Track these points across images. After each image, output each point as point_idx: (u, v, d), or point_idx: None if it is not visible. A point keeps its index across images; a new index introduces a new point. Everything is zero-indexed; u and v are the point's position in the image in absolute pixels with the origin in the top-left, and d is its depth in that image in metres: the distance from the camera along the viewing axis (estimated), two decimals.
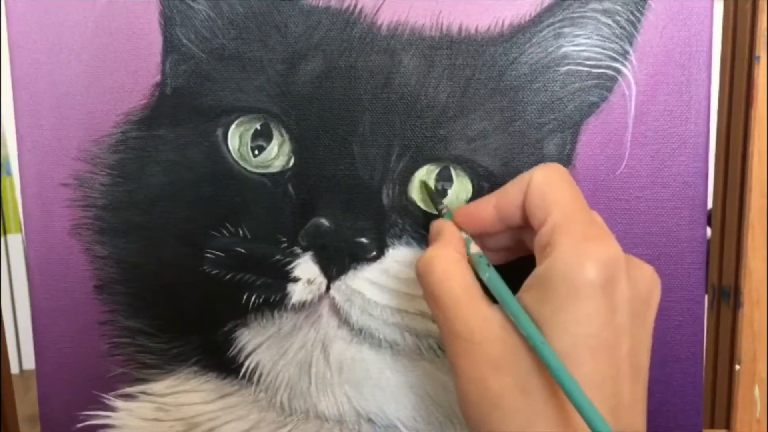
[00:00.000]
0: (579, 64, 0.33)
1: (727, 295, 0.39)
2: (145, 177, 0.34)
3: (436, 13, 0.33)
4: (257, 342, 0.35)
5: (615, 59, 0.33)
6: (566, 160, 0.34)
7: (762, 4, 0.36)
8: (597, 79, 0.33)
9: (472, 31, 0.33)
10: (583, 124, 0.34)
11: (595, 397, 0.25)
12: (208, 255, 0.34)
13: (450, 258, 0.29)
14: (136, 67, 0.34)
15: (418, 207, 0.34)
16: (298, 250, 0.34)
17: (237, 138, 0.34)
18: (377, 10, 0.33)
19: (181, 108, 0.34)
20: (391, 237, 0.34)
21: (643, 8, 0.33)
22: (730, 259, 0.39)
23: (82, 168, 0.35)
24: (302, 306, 0.34)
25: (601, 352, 0.26)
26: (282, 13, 0.33)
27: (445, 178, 0.34)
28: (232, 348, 0.35)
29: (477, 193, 0.34)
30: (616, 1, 0.33)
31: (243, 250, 0.34)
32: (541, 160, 0.34)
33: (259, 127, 0.34)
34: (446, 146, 0.33)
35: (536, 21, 0.33)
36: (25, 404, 0.50)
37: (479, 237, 0.32)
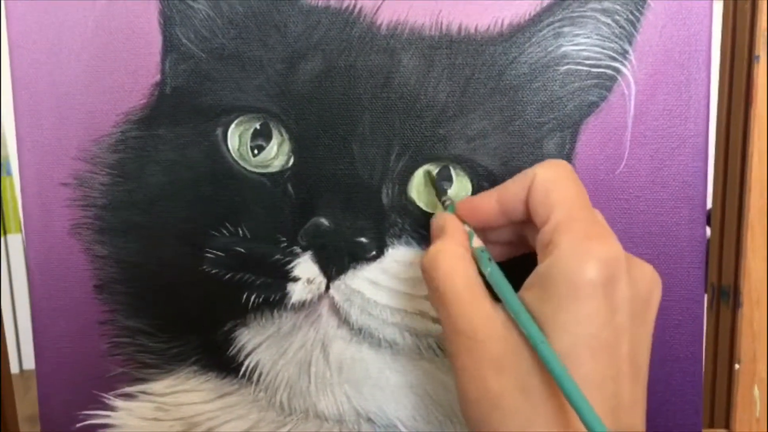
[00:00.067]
0: (578, 63, 0.33)
1: (726, 295, 0.39)
2: (144, 176, 0.34)
3: (435, 13, 0.33)
4: (257, 341, 0.35)
5: (614, 59, 0.33)
6: (566, 159, 0.34)
7: (761, 4, 0.36)
8: (596, 79, 0.33)
9: (472, 31, 0.33)
10: (583, 124, 0.34)
11: (594, 397, 0.25)
12: (208, 254, 0.34)
13: (455, 253, 0.29)
14: (136, 67, 0.34)
15: (418, 206, 0.34)
16: (297, 249, 0.34)
17: (236, 137, 0.34)
18: (377, 10, 0.33)
19: (181, 107, 0.34)
20: (390, 236, 0.34)
21: (643, 8, 0.33)
22: (730, 258, 0.39)
23: (81, 167, 0.35)
24: (302, 305, 0.34)
25: (601, 352, 0.26)
26: (281, 12, 0.33)
27: (444, 177, 0.34)
28: (231, 347, 0.35)
29: (476, 193, 0.33)
30: (616, 1, 0.33)
31: (243, 250, 0.34)
32: (540, 159, 0.33)
33: (258, 127, 0.34)
34: (446, 146, 0.33)
35: (536, 20, 0.33)
36: (25, 404, 0.50)
37: (482, 230, 0.32)
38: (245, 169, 0.34)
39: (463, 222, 0.31)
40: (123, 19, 0.34)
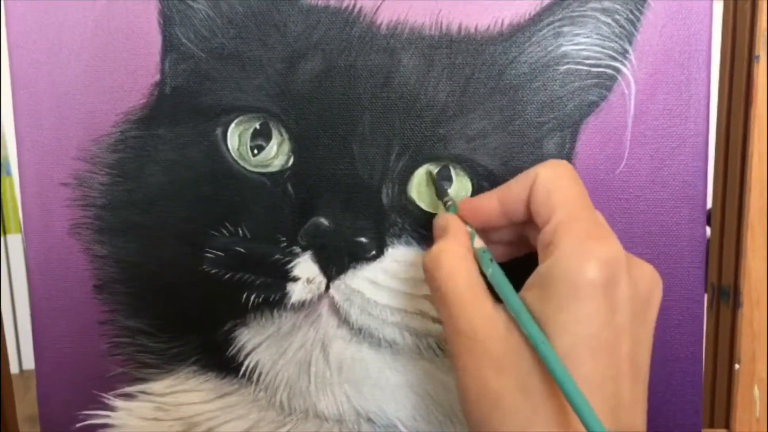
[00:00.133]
0: (578, 63, 0.33)
1: (726, 295, 0.39)
2: (144, 176, 0.34)
3: (435, 12, 0.33)
4: (257, 341, 0.35)
5: (614, 58, 0.33)
6: (566, 159, 0.34)
7: (761, 4, 0.36)
8: (596, 78, 0.33)
9: (472, 30, 0.33)
10: (583, 123, 0.34)
11: (595, 397, 0.25)
12: (208, 254, 0.34)
13: (457, 254, 0.29)
14: (136, 67, 0.34)
15: (418, 206, 0.34)
16: (297, 249, 0.34)
17: (236, 137, 0.34)
18: (377, 10, 0.33)
19: (181, 107, 0.34)
20: (390, 236, 0.34)
21: (643, 7, 0.33)
22: (730, 258, 0.39)
23: (81, 167, 0.35)
24: (302, 305, 0.34)
25: (602, 352, 0.26)
26: (281, 12, 0.33)
27: (444, 177, 0.34)
28: (231, 347, 0.35)
29: (476, 193, 0.33)
30: (616, 0, 0.33)
31: (242, 250, 0.34)
32: (540, 159, 0.34)
33: (258, 127, 0.34)
34: (446, 145, 0.33)
35: (536, 20, 0.33)
36: (25, 404, 0.50)
37: (483, 231, 0.32)
38: (245, 168, 0.34)
39: (465, 223, 0.31)
40: (123, 19, 0.34)
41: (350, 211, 0.33)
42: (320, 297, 0.34)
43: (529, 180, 0.30)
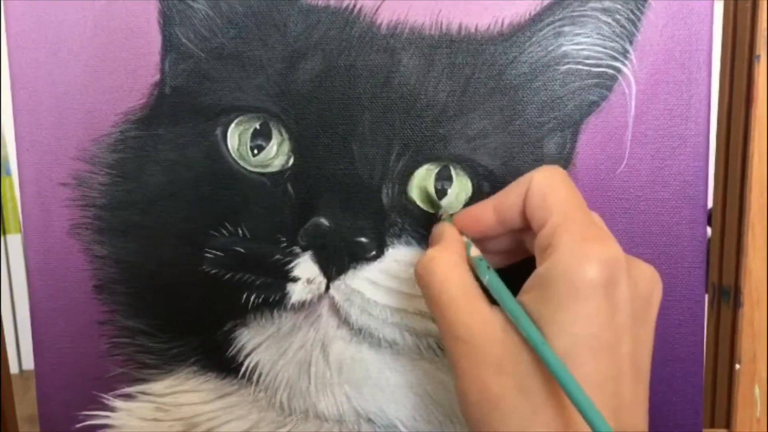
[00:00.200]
0: (579, 63, 0.33)
1: (727, 295, 0.39)
2: (144, 176, 0.34)
3: (435, 12, 0.33)
4: (257, 342, 0.35)
5: (615, 58, 0.33)
6: (566, 159, 0.34)
7: (762, 4, 0.36)
8: (597, 78, 0.33)
9: (472, 30, 0.33)
10: (583, 123, 0.34)
11: (595, 398, 0.25)
12: (208, 255, 0.34)
13: (449, 260, 0.29)
14: (135, 67, 0.34)
15: (418, 206, 0.34)
16: (297, 249, 0.34)
17: (236, 137, 0.34)
18: (377, 9, 0.33)
19: (180, 107, 0.34)
20: (390, 236, 0.34)
21: (643, 7, 0.33)
22: (731, 258, 0.39)
23: (81, 167, 0.35)
24: (302, 306, 0.34)
25: (602, 352, 0.26)
26: (281, 12, 0.33)
27: (444, 177, 0.34)
28: (231, 348, 0.35)
29: (477, 193, 0.33)
30: (616, 0, 0.33)
31: (242, 250, 0.34)
32: (541, 159, 0.34)
33: (258, 127, 0.34)
34: (446, 145, 0.33)
35: (536, 20, 0.33)
36: (25, 404, 0.50)
37: (480, 240, 0.32)
38: (245, 168, 0.34)
39: (462, 233, 0.31)
40: (122, 19, 0.34)
41: (350, 211, 0.33)
42: (320, 297, 0.34)
43: (523, 186, 0.30)
